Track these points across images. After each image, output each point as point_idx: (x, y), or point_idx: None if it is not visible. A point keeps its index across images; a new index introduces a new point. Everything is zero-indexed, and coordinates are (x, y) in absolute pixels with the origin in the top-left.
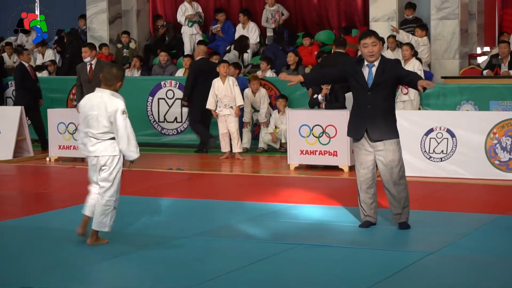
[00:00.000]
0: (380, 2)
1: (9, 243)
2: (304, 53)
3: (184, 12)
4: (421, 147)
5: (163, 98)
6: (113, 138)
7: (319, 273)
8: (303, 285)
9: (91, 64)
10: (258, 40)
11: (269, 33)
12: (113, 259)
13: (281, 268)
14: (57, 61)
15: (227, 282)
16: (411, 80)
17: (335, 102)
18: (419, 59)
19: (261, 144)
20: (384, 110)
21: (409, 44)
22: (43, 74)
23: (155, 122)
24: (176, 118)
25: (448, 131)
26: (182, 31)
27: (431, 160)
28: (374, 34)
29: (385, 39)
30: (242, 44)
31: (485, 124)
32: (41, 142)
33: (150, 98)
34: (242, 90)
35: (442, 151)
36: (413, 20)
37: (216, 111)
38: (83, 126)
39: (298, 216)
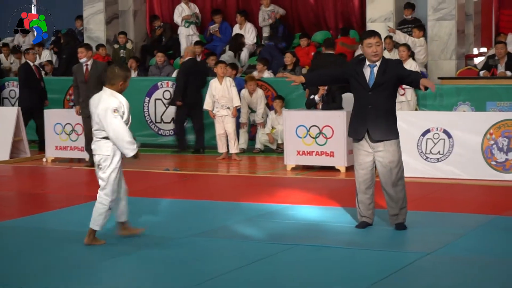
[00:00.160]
0: (377, 2)
1: (8, 244)
2: (301, 53)
3: (181, 12)
4: (417, 148)
5: (160, 99)
6: (107, 137)
7: (316, 274)
8: (300, 286)
9: (87, 65)
10: (255, 40)
11: (265, 33)
12: (111, 259)
13: (278, 268)
14: (53, 62)
15: (225, 283)
16: (413, 80)
17: (332, 103)
18: (414, 60)
19: (258, 145)
20: (385, 110)
21: (406, 45)
22: None
23: (151, 123)
24: (173, 119)
25: (445, 131)
26: (178, 32)
27: (428, 161)
28: (377, 34)
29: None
30: (237, 42)
31: (482, 124)
32: (41, 143)
33: (147, 98)
34: (239, 91)
35: (439, 151)
36: (412, 21)
37: (213, 111)
38: (93, 124)
39: (295, 217)
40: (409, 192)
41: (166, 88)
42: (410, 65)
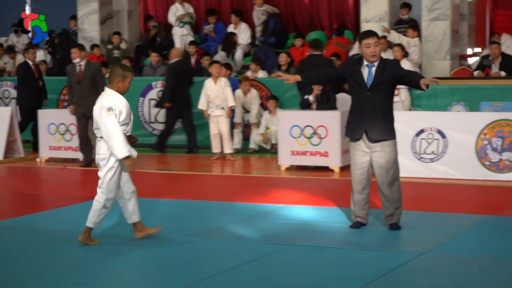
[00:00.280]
0: (371, 2)
1: (3, 244)
2: (295, 53)
3: (175, 12)
4: (412, 148)
5: (154, 99)
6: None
7: (310, 274)
8: (294, 286)
9: (80, 65)
10: (249, 40)
11: (258, 32)
12: (105, 260)
13: (272, 268)
14: (48, 62)
15: (220, 283)
16: (412, 79)
17: (326, 103)
18: (408, 60)
19: (252, 145)
20: (383, 110)
21: (400, 45)
22: None
23: (146, 123)
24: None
25: (439, 132)
26: (173, 32)
27: (422, 161)
28: (376, 34)
29: None
30: (229, 41)
31: (476, 125)
32: (35, 143)
33: (141, 99)
34: (233, 91)
35: (433, 151)
36: (408, 21)
37: (208, 111)
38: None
39: (289, 217)
40: (403, 192)
41: (160, 88)
42: (404, 65)
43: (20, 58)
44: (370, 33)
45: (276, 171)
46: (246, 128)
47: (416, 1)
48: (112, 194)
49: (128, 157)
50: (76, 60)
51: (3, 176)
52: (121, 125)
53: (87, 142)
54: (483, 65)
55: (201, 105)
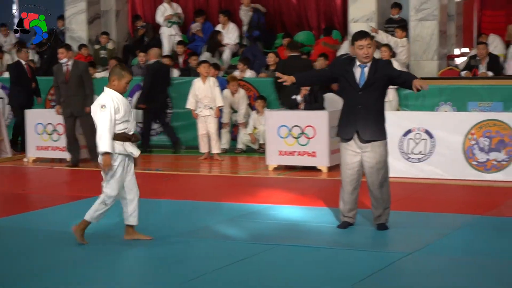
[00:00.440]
0: (359, 2)
1: None
2: (283, 54)
3: (163, 12)
4: (399, 148)
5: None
6: None
7: (298, 273)
8: (282, 285)
9: (67, 65)
10: (237, 40)
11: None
12: (94, 260)
13: (260, 268)
14: (35, 61)
15: (208, 282)
16: (405, 80)
17: (314, 103)
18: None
19: (240, 145)
20: (375, 110)
21: (388, 45)
22: None
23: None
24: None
25: (427, 132)
26: (160, 32)
27: (410, 161)
28: (369, 35)
29: None
30: (214, 40)
31: (463, 125)
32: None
33: (129, 99)
34: (221, 91)
35: (421, 151)
36: (398, 20)
37: (196, 111)
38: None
39: (276, 217)
40: (391, 193)
41: None
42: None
43: (7, 58)
44: (363, 35)
45: (264, 171)
46: (234, 128)
47: (404, 1)
48: (113, 192)
49: (107, 154)
50: (63, 60)
51: None
52: (120, 123)
53: (75, 142)
54: (471, 65)
55: (190, 104)
